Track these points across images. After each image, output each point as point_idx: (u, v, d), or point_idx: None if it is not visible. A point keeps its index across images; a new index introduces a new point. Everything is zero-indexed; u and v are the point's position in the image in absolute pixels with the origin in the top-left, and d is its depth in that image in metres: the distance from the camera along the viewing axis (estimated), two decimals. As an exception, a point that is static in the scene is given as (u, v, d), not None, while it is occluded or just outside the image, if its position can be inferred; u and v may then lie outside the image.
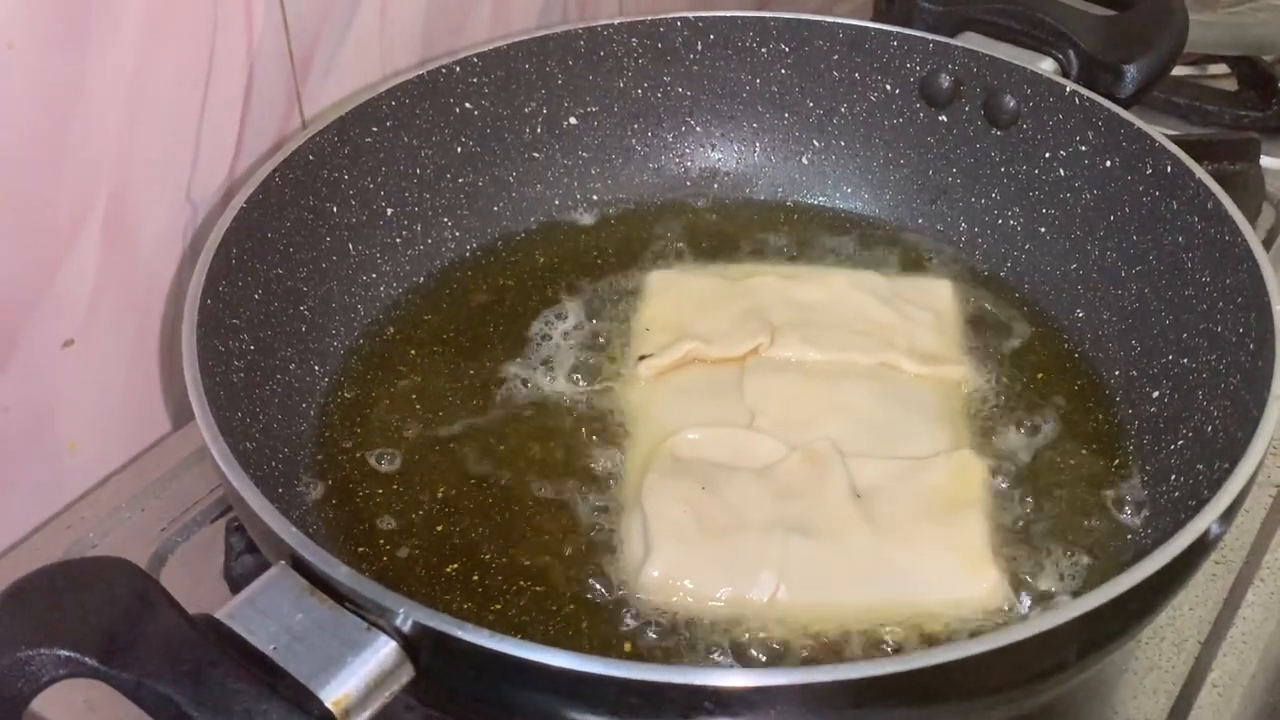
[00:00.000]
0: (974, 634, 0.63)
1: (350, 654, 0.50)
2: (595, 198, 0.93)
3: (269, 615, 0.52)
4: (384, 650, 0.51)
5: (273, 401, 0.72)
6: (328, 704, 0.49)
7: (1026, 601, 0.65)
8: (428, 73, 0.85)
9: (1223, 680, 0.69)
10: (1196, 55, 1.19)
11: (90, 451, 0.81)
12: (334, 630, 0.51)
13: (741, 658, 0.62)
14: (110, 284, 0.78)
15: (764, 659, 0.62)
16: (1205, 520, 0.56)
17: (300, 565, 0.53)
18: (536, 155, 0.91)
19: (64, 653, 0.48)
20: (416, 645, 0.51)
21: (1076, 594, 0.65)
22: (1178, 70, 1.16)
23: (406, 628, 0.51)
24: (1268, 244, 0.99)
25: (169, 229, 0.81)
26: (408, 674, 0.51)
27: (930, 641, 0.63)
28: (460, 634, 0.50)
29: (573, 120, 0.91)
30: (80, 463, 0.80)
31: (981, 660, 0.50)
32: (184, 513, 0.78)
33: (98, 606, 0.50)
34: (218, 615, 0.51)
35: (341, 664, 0.50)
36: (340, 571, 0.52)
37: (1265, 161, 1.02)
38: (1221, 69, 1.19)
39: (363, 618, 0.52)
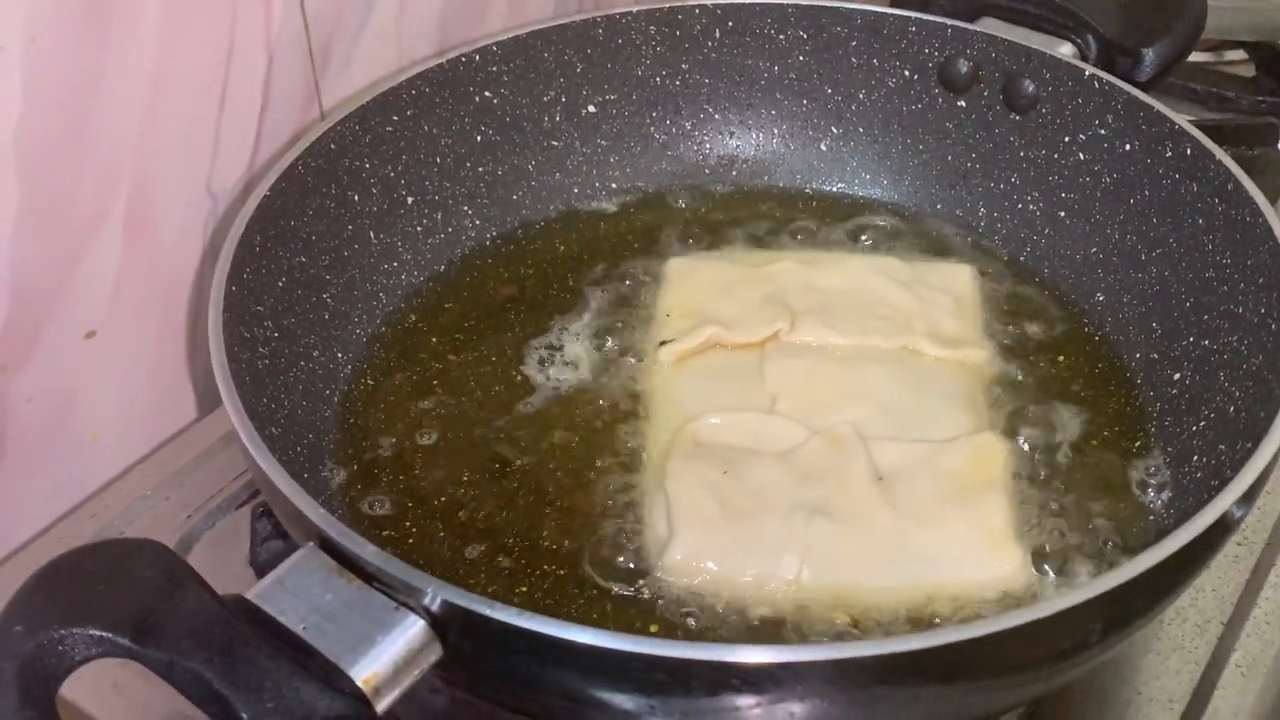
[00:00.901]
0: (997, 614, 0.63)
1: (379, 633, 0.51)
2: (614, 185, 0.93)
3: (298, 595, 0.52)
4: (413, 629, 0.51)
5: (296, 388, 0.72)
6: (358, 682, 0.49)
7: (1049, 582, 0.65)
8: (448, 61, 0.85)
9: (1246, 661, 0.69)
10: (1214, 41, 1.18)
11: (114, 441, 0.81)
12: (363, 609, 0.51)
13: (765, 638, 0.62)
14: (132, 276, 0.78)
15: (788, 639, 0.62)
16: (1227, 499, 0.56)
17: (328, 546, 0.54)
18: (556, 143, 0.91)
19: (96, 632, 0.48)
20: (445, 624, 0.51)
21: (1099, 574, 0.65)
22: (1195, 56, 1.16)
23: (435, 607, 0.51)
24: (1286, 228, 0.99)
25: (190, 221, 0.81)
26: (436, 653, 0.52)
27: (954, 622, 0.63)
28: (489, 612, 0.50)
29: (591, 108, 0.91)
30: (104, 452, 0.81)
31: (1005, 638, 0.51)
32: (208, 500, 0.78)
33: (129, 586, 0.50)
34: (248, 595, 0.52)
35: (371, 643, 0.50)
36: (368, 551, 0.52)
37: (1284, 146, 1.02)
38: (1239, 55, 1.19)
39: (391, 597, 0.52)
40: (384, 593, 0.52)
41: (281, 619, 0.51)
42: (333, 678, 0.49)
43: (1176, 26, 0.86)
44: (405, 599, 0.52)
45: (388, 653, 0.51)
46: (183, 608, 0.50)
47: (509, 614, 0.50)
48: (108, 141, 0.74)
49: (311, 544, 0.54)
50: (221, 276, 0.67)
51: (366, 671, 0.50)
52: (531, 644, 0.50)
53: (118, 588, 0.50)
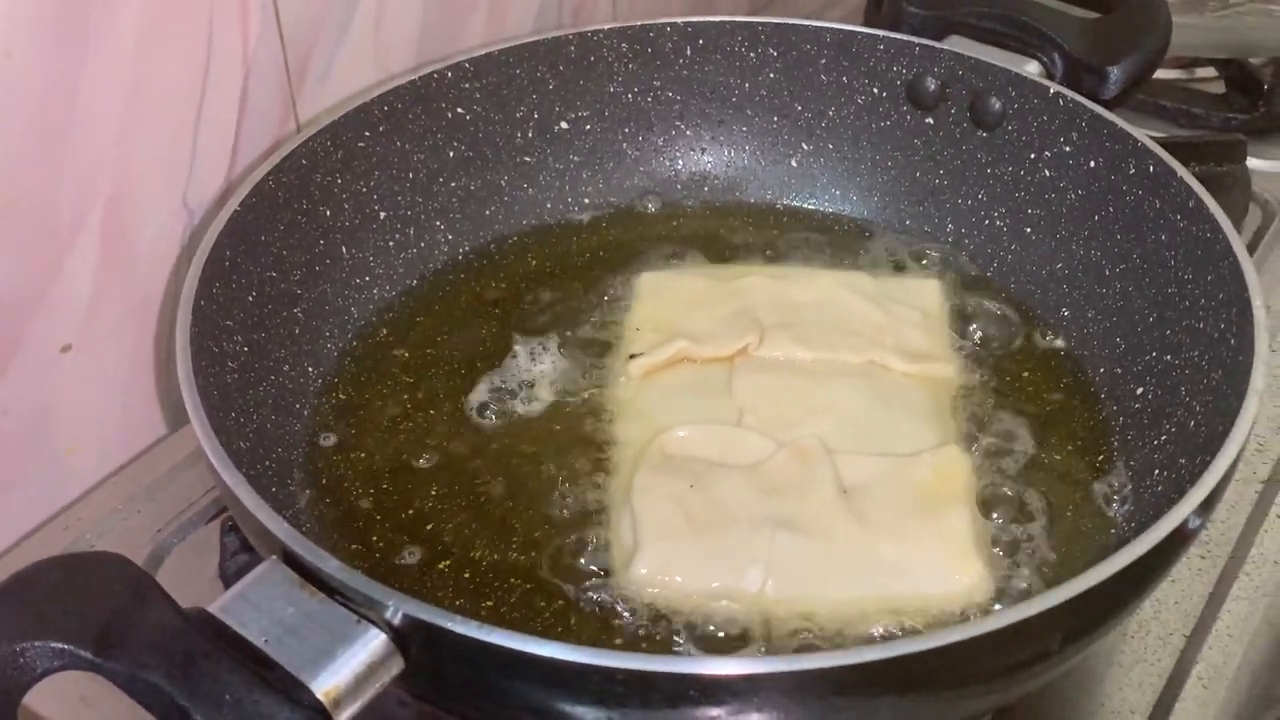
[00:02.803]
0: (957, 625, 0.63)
1: (341, 646, 0.51)
2: (587, 201, 0.93)
3: (260, 609, 0.52)
4: (374, 642, 0.51)
5: (266, 402, 0.72)
6: (318, 694, 0.50)
7: (1011, 594, 0.66)
8: (420, 78, 0.85)
9: (1208, 673, 0.69)
10: (1185, 59, 1.19)
11: (88, 454, 0.81)
12: (325, 623, 0.52)
13: (729, 650, 0.63)
14: (108, 289, 0.78)
15: (753, 651, 0.63)
16: (1183, 511, 0.56)
17: (291, 559, 0.54)
18: (528, 159, 0.91)
19: (58, 645, 0.48)
20: (406, 637, 0.52)
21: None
22: (1165, 73, 1.17)
23: (396, 620, 0.51)
24: (1254, 244, 1.00)
25: (166, 234, 0.81)
26: (398, 665, 0.52)
27: (915, 634, 0.63)
28: (449, 625, 0.50)
29: (564, 125, 0.91)
30: (78, 465, 0.81)
31: (963, 648, 0.51)
32: (179, 514, 0.78)
33: (92, 600, 0.50)
34: (210, 609, 0.52)
35: (332, 656, 0.51)
36: (330, 565, 0.53)
37: (1252, 163, 1.02)
38: (1209, 72, 1.19)
39: (353, 610, 0.52)
40: (346, 606, 0.52)
41: (243, 631, 0.51)
42: (293, 690, 0.49)
43: (1141, 45, 0.86)
44: (366, 612, 0.52)
45: (349, 666, 0.51)
46: (145, 621, 0.50)
47: (469, 627, 0.50)
48: (84, 155, 0.74)
49: (275, 558, 0.54)
50: (190, 292, 0.67)
51: (327, 684, 0.50)
52: (491, 656, 0.50)
53: (80, 601, 0.50)
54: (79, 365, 0.78)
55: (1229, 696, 0.69)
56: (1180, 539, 0.57)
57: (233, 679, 0.49)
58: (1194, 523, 0.58)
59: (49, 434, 0.79)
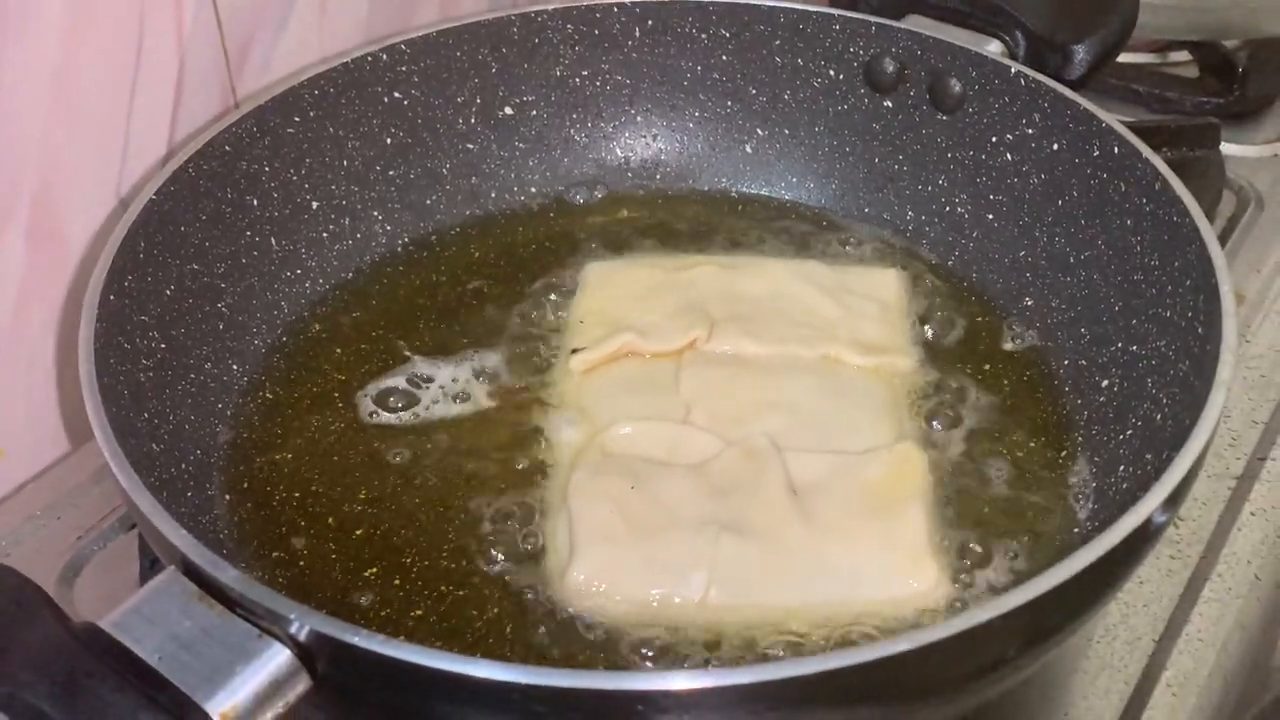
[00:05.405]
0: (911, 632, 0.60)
1: (240, 663, 0.48)
2: (533, 190, 0.90)
3: (156, 623, 0.49)
4: (277, 659, 0.49)
5: (185, 402, 0.69)
6: (214, 716, 0.47)
7: (969, 599, 0.63)
8: (353, 60, 0.82)
9: (1177, 680, 0.67)
10: (1158, 42, 1.17)
11: (18, 458, 0.78)
12: (223, 638, 0.49)
13: (671, 662, 0.60)
14: (38, 286, 0.76)
15: (695, 663, 0.59)
16: (1146, 508, 0.53)
17: (191, 570, 0.51)
18: (471, 146, 0.88)
19: (-71, 663, 0.45)
20: (313, 653, 0.49)
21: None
22: (1138, 57, 1.15)
23: (301, 635, 0.49)
24: (1228, 230, 0.97)
25: (99, 227, 0.79)
26: (304, 683, 0.49)
27: (864, 642, 0.60)
28: (356, 641, 0.47)
29: (508, 110, 0.89)
30: (6, 469, 0.78)
31: (917, 655, 0.48)
32: (101, 520, 0.75)
33: (-28, 614, 0.47)
34: (101, 623, 0.49)
35: (230, 673, 0.48)
36: (229, 575, 0.49)
37: (1226, 148, 1.00)
38: (1183, 55, 1.17)
39: (255, 625, 0.49)
40: (247, 620, 0.49)
41: (135, 648, 0.48)
42: (185, 712, 0.46)
43: (1107, 22, 0.83)
44: (269, 626, 0.49)
45: (249, 684, 0.48)
46: (28, 636, 0.48)
47: (375, 642, 0.47)
48: (6, 145, 0.71)
49: (173, 568, 0.51)
50: (97, 285, 0.64)
51: (224, 704, 0.47)
52: (404, 674, 0.47)
53: (-41, 615, 0.47)
54: (7, 363, 0.76)
55: (1199, 704, 0.66)
56: (1143, 538, 0.55)
57: (118, 700, 0.46)
58: (1158, 520, 0.55)
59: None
